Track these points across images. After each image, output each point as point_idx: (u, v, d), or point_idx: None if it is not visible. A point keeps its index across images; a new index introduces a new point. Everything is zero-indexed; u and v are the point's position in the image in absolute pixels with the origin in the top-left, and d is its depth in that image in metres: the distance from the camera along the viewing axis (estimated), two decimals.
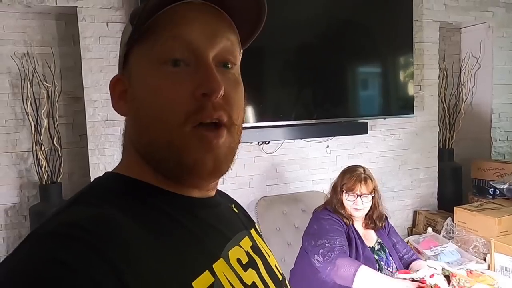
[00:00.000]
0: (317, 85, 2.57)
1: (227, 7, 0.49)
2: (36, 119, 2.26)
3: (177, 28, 0.45)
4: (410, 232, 3.00)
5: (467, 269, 1.88)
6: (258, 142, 2.56)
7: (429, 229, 2.59)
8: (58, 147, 2.30)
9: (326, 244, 1.52)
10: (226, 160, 0.48)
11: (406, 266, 1.72)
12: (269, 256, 0.59)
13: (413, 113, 2.79)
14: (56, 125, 2.30)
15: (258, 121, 2.38)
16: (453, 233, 2.40)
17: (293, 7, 2.45)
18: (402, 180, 3.01)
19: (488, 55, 3.20)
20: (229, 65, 0.49)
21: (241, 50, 0.53)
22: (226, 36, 0.48)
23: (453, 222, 2.47)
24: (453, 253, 2.23)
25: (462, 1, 3.04)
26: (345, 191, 1.67)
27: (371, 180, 1.71)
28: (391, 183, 2.98)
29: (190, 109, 0.44)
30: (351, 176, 1.71)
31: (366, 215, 1.71)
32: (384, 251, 1.68)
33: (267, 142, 2.57)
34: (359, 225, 1.71)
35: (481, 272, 1.85)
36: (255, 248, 0.56)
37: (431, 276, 1.77)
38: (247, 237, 0.56)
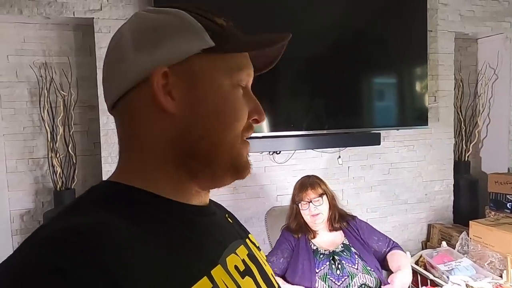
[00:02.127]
0: (329, 95, 2.57)
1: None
2: (52, 127, 2.32)
3: (246, 64, 0.53)
4: (424, 246, 2.93)
5: (496, 284, 1.83)
6: (269, 152, 2.56)
7: (443, 243, 2.52)
8: (73, 154, 2.36)
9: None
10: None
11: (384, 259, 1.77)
12: (265, 265, 0.60)
13: (427, 125, 2.75)
14: (71, 133, 2.36)
15: (269, 130, 2.39)
16: (468, 248, 2.33)
17: (306, 18, 2.46)
18: (416, 193, 2.96)
19: (506, 66, 3.14)
20: None
21: None
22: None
23: (468, 236, 2.41)
24: (468, 269, 2.16)
25: (478, 12, 3.00)
26: (297, 202, 1.77)
27: (319, 184, 1.79)
28: (405, 195, 2.93)
29: (245, 126, 0.53)
30: (298, 187, 1.81)
31: (328, 219, 1.78)
32: (349, 250, 1.70)
33: (278, 152, 2.57)
34: (324, 233, 1.78)
35: (511, 285, 1.80)
36: (251, 256, 0.57)
37: None
38: (242, 245, 0.57)
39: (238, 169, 0.53)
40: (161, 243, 0.43)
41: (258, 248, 0.64)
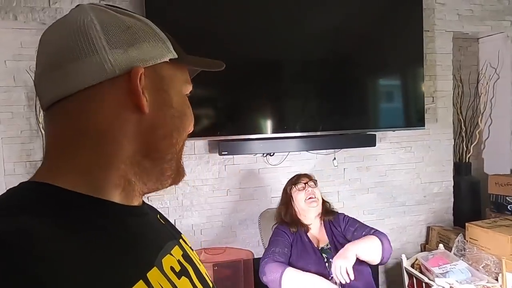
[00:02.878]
0: (324, 96, 2.56)
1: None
2: None
3: (188, 80, 0.57)
4: (424, 249, 2.89)
5: (482, 285, 1.80)
6: (263, 154, 2.56)
7: (441, 245, 2.48)
8: None
9: (265, 256, 1.69)
10: None
11: None
12: (199, 265, 0.60)
13: (424, 126, 2.71)
14: None
15: (262, 132, 2.39)
16: (464, 251, 2.29)
17: (301, 20, 2.46)
18: (414, 195, 2.92)
19: (507, 66, 3.08)
20: None
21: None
22: None
23: (464, 239, 2.37)
24: (463, 272, 2.13)
25: (477, 11, 2.95)
26: (293, 186, 1.86)
27: (311, 175, 1.92)
28: (402, 197, 2.89)
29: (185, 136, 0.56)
30: (291, 178, 1.95)
31: (321, 207, 1.84)
32: (335, 250, 1.71)
33: (271, 154, 2.57)
34: (315, 227, 1.83)
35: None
36: (185, 256, 0.57)
37: None
38: (177, 246, 0.57)
39: (180, 172, 0.56)
40: (92, 247, 0.41)
41: (191, 248, 0.64)
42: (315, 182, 1.88)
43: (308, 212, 1.81)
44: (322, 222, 1.85)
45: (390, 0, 2.69)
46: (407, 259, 2.46)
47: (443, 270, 2.15)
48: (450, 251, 2.41)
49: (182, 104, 0.55)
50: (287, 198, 1.89)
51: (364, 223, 1.88)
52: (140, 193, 0.53)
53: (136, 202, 0.53)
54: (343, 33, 2.59)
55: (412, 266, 2.40)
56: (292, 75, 2.51)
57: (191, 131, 0.58)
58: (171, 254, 0.53)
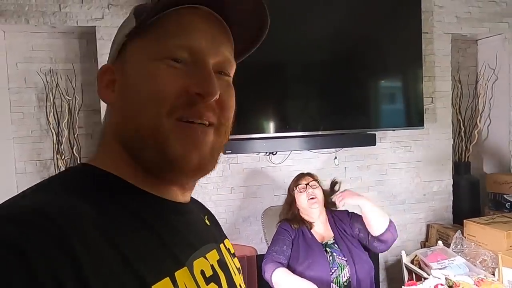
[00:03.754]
0: (325, 96, 2.62)
1: (230, 21, 0.51)
2: (58, 130, 2.44)
3: (183, 30, 0.47)
4: (423, 246, 2.94)
5: (478, 278, 1.85)
6: (266, 153, 2.63)
7: (439, 242, 2.54)
8: (78, 156, 2.47)
9: (265, 255, 1.80)
10: (212, 158, 0.48)
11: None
12: (235, 274, 0.57)
13: (423, 126, 2.77)
14: (76, 136, 2.47)
15: (265, 132, 2.46)
16: (462, 247, 2.35)
17: (301, 22, 2.53)
18: (414, 193, 2.98)
19: (505, 67, 3.14)
20: (223, 74, 0.51)
21: (235, 64, 0.55)
22: (226, 48, 0.50)
23: (463, 235, 2.42)
24: (461, 267, 2.18)
25: (475, 13, 3.02)
26: (295, 188, 1.91)
27: (314, 174, 1.99)
28: (402, 195, 2.95)
29: (178, 103, 0.45)
30: (295, 178, 2.00)
31: (328, 211, 1.90)
32: (340, 244, 1.79)
33: (274, 153, 2.64)
34: (320, 226, 1.87)
35: (492, 280, 1.83)
36: (221, 263, 0.54)
37: (436, 286, 1.78)
38: (214, 250, 0.54)
39: (169, 159, 0.45)
40: (128, 235, 0.41)
41: (232, 255, 0.62)
42: (317, 181, 1.93)
43: (311, 212, 1.87)
44: (327, 218, 1.90)
45: (390, 3, 2.76)
46: (407, 255, 2.52)
47: (441, 266, 2.21)
48: (449, 248, 2.47)
49: (145, 76, 0.46)
50: (290, 198, 1.95)
51: None
52: (167, 187, 0.50)
53: (170, 197, 0.50)
54: (344, 35, 2.66)
55: (412, 262, 2.46)
56: (294, 76, 2.58)
57: (204, 97, 0.46)
58: (205, 258, 0.51)
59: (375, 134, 2.67)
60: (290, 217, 1.91)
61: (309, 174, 1.98)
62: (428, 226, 3.00)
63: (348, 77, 2.66)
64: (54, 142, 2.43)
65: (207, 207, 0.66)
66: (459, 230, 2.45)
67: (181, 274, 0.44)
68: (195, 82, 0.45)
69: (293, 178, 2.70)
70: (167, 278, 0.42)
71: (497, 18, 3.07)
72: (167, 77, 0.45)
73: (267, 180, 2.67)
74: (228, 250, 0.61)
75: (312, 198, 1.84)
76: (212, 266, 0.51)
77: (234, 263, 0.60)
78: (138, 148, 0.47)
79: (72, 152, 2.46)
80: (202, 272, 0.48)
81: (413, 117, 2.79)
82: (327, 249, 1.79)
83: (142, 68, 0.47)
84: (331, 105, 2.62)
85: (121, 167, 0.47)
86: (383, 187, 2.90)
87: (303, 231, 1.85)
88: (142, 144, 0.46)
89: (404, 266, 2.48)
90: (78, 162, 2.47)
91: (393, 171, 2.92)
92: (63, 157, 2.43)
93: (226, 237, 0.64)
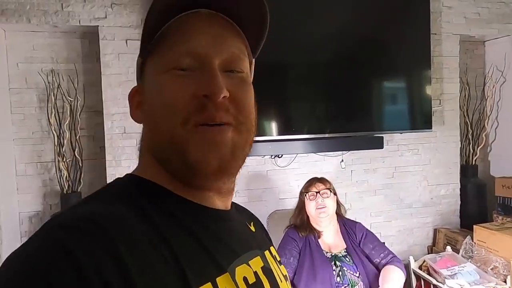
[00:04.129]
0: (331, 98, 2.57)
1: (234, 16, 0.50)
2: (59, 132, 2.39)
3: (184, 37, 0.47)
4: (430, 251, 2.90)
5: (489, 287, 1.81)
6: (271, 156, 2.58)
7: (448, 247, 2.49)
8: (79, 158, 2.42)
9: None
10: (233, 157, 0.47)
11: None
12: (281, 281, 0.56)
13: (431, 128, 2.72)
14: (77, 137, 2.42)
15: (270, 134, 2.41)
16: (472, 253, 2.30)
17: (308, 22, 2.48)
18: (421, 197, 2.93)
19: None
20: (235, 72, 0.50)
21: (253, 59, 0.55)
22: (232, 44, 0.49)
23: (472, 241, 2.37)
24: (471, 274, 2.13)
25: (484, 14, 2.97)
26: (305, 193, 1.81)
27: (327, 181, 1.86)
28: (409, 199, 2.90)
29: (191, 109, 0.45)
30: (307, 182, 1.89)
31: (332, 216, 1.79)
32: (352, 256, 1.70)
33: (280, 156, 2.59)
34: (327, 234, 1.77)
35: None
36: (266, 270, 0.53)
37: None
38: (258, 257, 0.53)
39: (190, 164, 0.46)
40: (171, 241, 0.42)
41: (278, 262, 0.60)
42: (329, 189, 1.80)
43: (319, 221, 1.77)
44: (339, 228, 1.80)
45: (398, 3, 2.71)
46: (415, 261, 2.47)
47: (451, 272, 2.16)
48: (458, 253, 2.42)
49: (157, 89, 0.48)
50: (301, 203, 1.86)
51: (373, 226, 1.87)
52: (213, 195, 0.51)
53: (217, 205, 0.52)
54: (351, 35, 2.61)
55: (420, 268, 2.40)
56: (300, 77, 2.53)
57: (212, 97, 0.45)
58: (248, 264, 0.50)
59: (382, 137, 2.63)
60: (298, 223, 1.83)
61: (321, 180, 1.86)
62: (435, 231, 2.95)
63: (355, 79, 2.61)
64: (55, 144, 2.38)
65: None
66: (468, 236, 2.40)
67: (223, 280, 0.44)
68: (201, 85, 0.45)
69: (298, 181, 2.68)
70: (209, 283, 0.42)
71: (506, 19, 3.02)
72: (175, 87, 0.46)
73: (272, 184, 2.63)
74: (274, 257, 0.60)
75: (321, 208, 1.74)
76: (255, 273, 0.50)
77: (280, 270, 0.59)
78: (164, 159, 0.48)
79: (74, 154, 2.41)
80: (245, 279, 0.48)
81: (421, 120, 2.74)
82: (337, 262, 1.67)
83: (153, 83, 0.49)
84: (338, 107, 2.57)
85: (159, 176, 0.49)
86: (390, 191, 2.85)
87: (310, 240, 1.75)
88: (166, 154, 0.48)
89: (412, 271, 2.43)
90: (80, 164, 2.42)
91: (400, 174, 2.87)
92: (64, 159, 2.38)
93: (272, 244, 0.63)
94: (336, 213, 1.82)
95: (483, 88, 3.24)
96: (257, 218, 0.66)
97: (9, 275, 0.35)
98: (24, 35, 2.40)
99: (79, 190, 2.43)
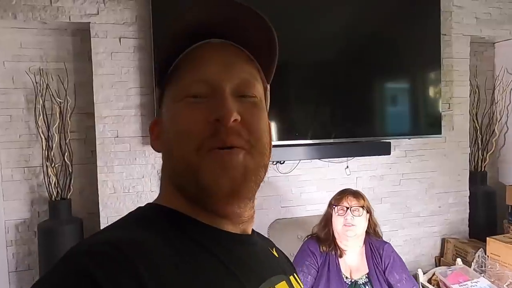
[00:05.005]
0: (337, 102, 2.45)
1: (245, 44, 0.51)
2: (48, 135, 2.24)
3: (196, 67, 0.49)
4: (438, 262, 2.77)
5: None
6: (273, 162, 2.44)
7: (458, 260, 2.36)
8: (69, 163, 2.28)
9: None
10: (245, 180, 0.47)
11: None
12: None
13: (440, 133, 2.60)
14: (67, 141, 2.28)
15: (272, 139, 2.28)
16: (485, 267, 2.17)
17: (313, 23, 2.35)
18: (429, 205, 2.80)
19: None
20: (248, 97, 0.50)
21: (267, 86, 0.56)
22: (243, 70, 0.50)
23: (485, 254, 2.25)
24: None
25: (495, 14, 2.84)
26: (334, 206, 1.60)
27: (362, 196, 1.62)
28: (417, 207, 2.78)
29: (206, 135, 0.46)
30: (339, 192, 1.67)
31: (367, 235, 1.60)
32: (371, 285, 1.53)
33: (282, 162, 2.45)
34: (351, 254, 1.59)
35: None
36: None
37: None
38: (284, 282, 0.53)
39: (202, 187, 0.45)
40: (194, 266, 0.42)
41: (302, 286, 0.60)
42: (363, 207, 1.57)
43: (345, 239, 1.58)
44: (364, 249, 1.62)
45: (407, 3, 2.58)
46: (424, 273, 2.34)
47: None
48: (469, 266, 2.29)
49: (171, 118, 0.49)
50: (328, 215, 1.65)
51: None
52: (233, 220, 0.50)
53: (232, 229, 0.50)
54: (358, 36, 2.49)
55: (429, 281, 2.28)
56: (303, 79, 2.40)
57: (223, 122, 0.45)
58: None
59: (390, 142, 2.50)
60: (323, 236, 1.62)
61: (355, 195, 1.61)
62: (443, 240, 2.83)
63: (361, 81, 2.49)
64: (44, 147, 2.24)
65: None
66: (481, 249, 2.28)
67: None
68: (212, 110, 0.46)
69: (300, 188, 2.55)
70: None
71: None
72: (188, 114, 0.47)
73: (274, 191, 2.49)
74: (298, 283, 0.59)
75: (349, 226, 1.54)
76: None
77: None
78: (180, 184, 0.49)
79: (63, 159, 2.27)
80: None
81: (430, 125, 2.62)
82: None
83: (169, 112, 0.50)
84: (344, 111, 2.45)
85: (179, 203, 0.49)
86: (396, 199, 2.72)
87: (330, 258, 1.57)
88: (182, 180, 0.48)
89: (420, 285, 2.30)
90: (70, 169, 2.28)
91: (407, 181, 2.75)
92: (53, 164, 2.24)
93: (296, 271, 0.63)
94: (366, 232, 1.62)
95: (493, 92, 3.12)
96: (277, 246, 0.65)
97: None
98: (10, 32, 2.25)
99: (68, 197, 2.28)
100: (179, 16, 0.49)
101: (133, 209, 0.51)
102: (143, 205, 0.52)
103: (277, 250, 0.62)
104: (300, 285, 0.58)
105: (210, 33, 0.50)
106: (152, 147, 0.55)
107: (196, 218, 0.48)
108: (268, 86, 0.57)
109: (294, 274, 0.60)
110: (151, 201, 0.52)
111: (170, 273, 0.39)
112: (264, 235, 0.63)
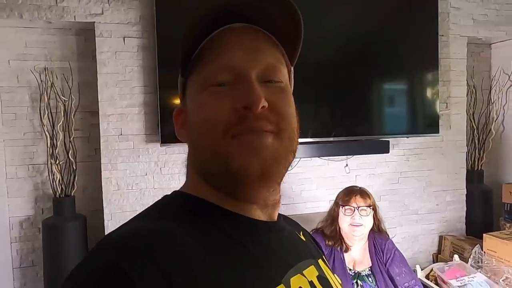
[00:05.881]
0: (336, 101, 2.49)
1: (268, 26, 0.50)
2: (52, 133, 2.28)
3: (220, 54, 0.48)
4: (436, 259, 2.82)
5: None
6: None
7: (456, 256, 2.41)
8: (73, 160, 2.31)
9: None
10: (275, 162, 0.46)
11: None
12: None
13: (438, 132, 2.65)
14: (71, 139, 2.31)
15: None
16: (482, 263, 2.22)
17: (313, 22, 2.39)
18: (426, 203, 2.85)
19: None
20: (274, 82, 0.49)
21: (291, 69, 0.55)
22: (268, 55, 0.49)
23: (482, 250, 2.30)
24: (482, 285, 2.06)
25: (492, 16, 2.89)
26: (341, 206, 1.64)
27: (368, 195, 1.68)
28: (415, 205, 2.82)
29: (232, 121, 0.45)
30: (345, 191, 1.71)
31: (371, 232, 1.65)
32: (374, 277, 1.59)
33: None
34: (356, 251, 1.65)
35: None
36: (321, 278, 0.52)
37: None
38: (313, 266, 0.52)
39: (233, 172, 0.45)
40: (219, 255, 0.42)
41: (331, 271, 0.58)
42: (369, 206, 1.62)
43: (351, 238, 1.63)
44: (368, 244, 1.67)
45: (405, 4, 2.63)
46: (421, 269, 2.38)
47: (461, 283, 2.08)
48: (466, 262, 2.34)
49: (198, 106, 0.49)
50: (334, 214, 1.69)
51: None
52: (259, 207, 0.50)
53: (258, 216, 0.50)
54: (357, 36, 2.53)
55: (427, 277, 2.32)
56: (304, 80, 2.43)
57: (251, 109, 0.44)
58: (303, 274, 0.49)
59: (388, 141, 2.54)
60: (329, 234, 1.66)
61: (362, 195, 1.65)
62: (440, 238, 2.87)
63: (360, 81, 2.53)
64: (48, 145, 2.27)
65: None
66: (478, 245, 2.33)
67: None
68: (240, 97, 0.45)
69: (300, 186, 2.58)
70: None
71: None
72: (214, 103, 0.46)
73: None
74: (328, 265, 0.59)
75: (356, 226, 1.59)
76: (311, 282, 0.49)
77: (336, 278, 0.58)
78: (208, 173, 0.48)
79: (68, 156, 2.30)
80: None
81: (428, 124, 2.66)
82: (359, 281, 1.57)
83: (194, 102, 0.50)
84: (343, 110, 2.49)
85: (205, 191, 0.49)
86: (395, 196, 2.77)
87: (335, 253, 1.61)
88: (209, 167, 0.48)
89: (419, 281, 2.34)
90: (74, 167, 2.31)
91: (406, 179, 2.79)
92: (57, 161, 2.27)
93: (323, 253, 0.63)
94: (370, 235, 1.67)
95: (489, 92, 3.17)
96: (305, 229, 0.64)
97: None
98: (16, 31, 2.29)
99: (72, 194, 2.32)
100: (202, 1, 0.47)
101: (160, 198, 0.51)
102: (169, 193, 0.52)
103: (304, 233, 0.62)
104: (329, 268, 0.58)
105: (234, 17, 0.49)
106: (177, 136, 0.54)
107: (223, 206, 0.48)
108: (292, 69, 0.56)
109: (323, 256, 0.60)
110: (168, 193, 0.52)
111: (197, 265, 0.39)
112: (291, 218, 0.62)
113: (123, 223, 0.45)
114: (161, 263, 0.37)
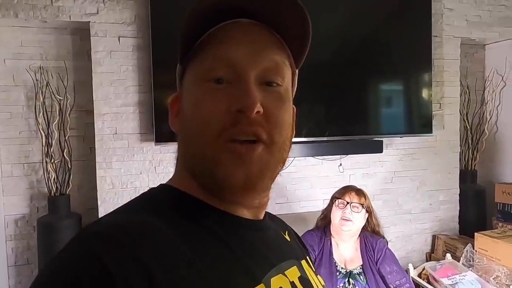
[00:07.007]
0: (330, 101, 2.51)
1: (276, 25, 0.49)
2: (48, 132, 2.29)
3: (222, 47, 0.46)
4: (429, 258, 2.84)
5: None
6: None
7: (448, 255, 2.43)
8: (68, 159, 2.32)
9: None
10: (260, 176, 0.45)
11: None
12: None
13: (431, 132, 2.67)
14: (67, 138, 2.32)
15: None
16: (473, 261, 2.24)
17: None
18: (420, 202, 2.87)
19: None
20: (274, 85, 0.48)
21: (296, 71, 0.54)
22: (271, 56, 0.48)
23: (473, 249, 2.32)
24: (473, 283, 2.08)
25: (485, 17, 2.92)
26: (336, 198, 1.68)
27: (364, 196, 1.70)
28: (408, 205, 2.84)
29: (225, 124, 0.44)
30: (343, 187, 1.75)
31: (362, 231, 1.67)
32: (365, 276, 1.61)
33: None
34: (347, 249, 1.67)
35: None
36: (303, 279, 0.51)
37: None
38: (295, 266, 0.52)
39: (217, 179, 0.44)
40: (204, 253, 0.42)
41: (315, 272, 0.58)
42: (362, 205, 1.65)
43: (340, 233, 1.65)
44: (359, 244, 1.69)
45: (399, 4, 2.65)
46: (414, 268, 2.40)
47: (452, 281, 2.10)
48: (458, 261, 2.36)
49: (192, 100, 0.47)
50: (328, 208, 1.75)
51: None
52: (244, 208, 0.50)
53: (243, 214, 0.49)
54: (351, 37, 2.55)
55: (419, 276, 2.35)
56: (300, 81, 2.45)
57: (245, 112, 0.43)
58: (284, 275, 0.48)
59: (382, 141, 2.56)
60: (321, 225, 1.73)
61: (358, 192, 1.69)
62: (434, 237, 2.89)
63: (354, 81, 2.55)
64: (44, 144, 2.28)
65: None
66: (469, 244, 2.35)
67: None
68: (235, 99, 0.44)
69: (294, 185, 2.60)
70: None
71: (507, 22, 2.98)
72: (209, 102, 0.45)
73: None
74: (311, 266, 0.58)
75: (346, 220, 1.62)
76: (292, 283, 0.49)
77: (318, 280, 0.57)
78: (195, 173, 0.48)
79: (63, 155, 2.31)
80: None
81: (421, 124, 2.68)
82: (350, 279, 1.59)
83: (190, 94, 0.48)
84: (337, 110, 2.51)
85: (192, 187, 0.48)
86: (388, 196, 2.79)
87: (324, 249, 1.64)
88: (197, 169, 0.47)
89: (411, 279, 2.36)
90: (69, 166, 2.32)
91: (399, 179, 2.81)
92: (52, 160, 2.28)
93: (308, 254, 0.62)
94: (363, 228, 1.69)
95: (483, 92, 3.19)
96: (291, 228, 0.63)
97: (43, 279, 0.38)
98: (11, 30, 2.30)
99: (67, 192, 2.33)
100: None
101: (145, 191, 0.50)
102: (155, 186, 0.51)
103: (290, 233, 0.61)
104: (312, 269, 0.57)
105: (241, 12, 0.47)
106: (170, 125, 0.53)
107: (209, 202, 0.47)
108: (297, 71, 0.55)
109: (307, 257, 0.59)
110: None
111: (176, 260, 0.39)
112: (278, 217, 0.62)
113: (105, 214, 0.45)
114: (140, 255, 0.37)
